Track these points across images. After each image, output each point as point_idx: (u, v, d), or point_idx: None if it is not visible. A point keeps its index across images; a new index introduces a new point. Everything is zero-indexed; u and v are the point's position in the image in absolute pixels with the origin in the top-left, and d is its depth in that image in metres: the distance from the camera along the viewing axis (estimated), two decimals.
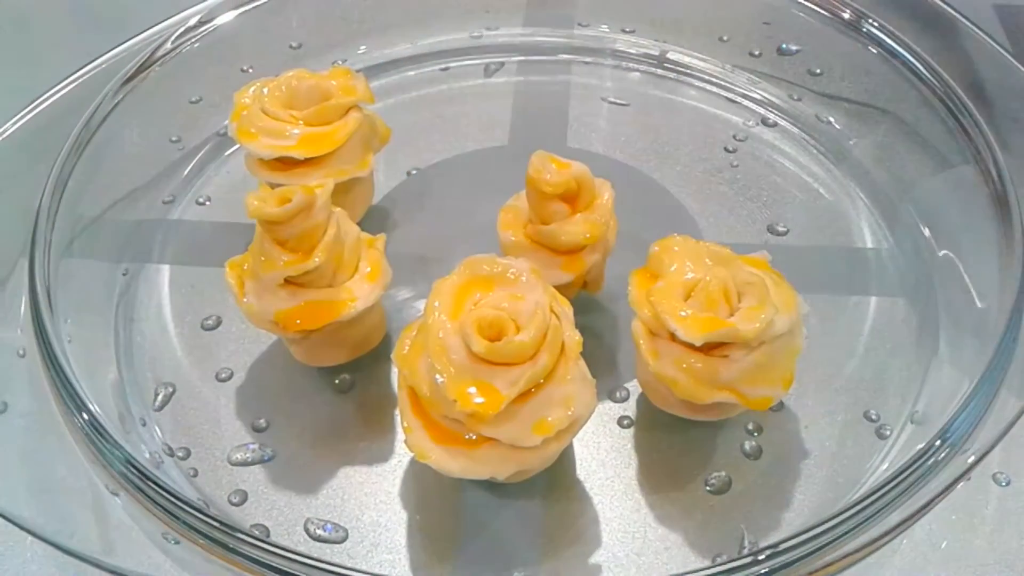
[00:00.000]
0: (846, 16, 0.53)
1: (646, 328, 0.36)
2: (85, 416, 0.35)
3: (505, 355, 0.32)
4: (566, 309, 0.35)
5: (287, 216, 0.36)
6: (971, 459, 0.33)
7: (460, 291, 0.35)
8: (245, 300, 0.38)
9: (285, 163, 0.44)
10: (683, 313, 0.34)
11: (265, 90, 0.45)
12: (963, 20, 0.51)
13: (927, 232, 0.46)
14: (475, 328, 0.33)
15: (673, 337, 0.34)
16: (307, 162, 0.44)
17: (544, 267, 0.39)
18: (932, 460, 0.33)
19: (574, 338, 0.34)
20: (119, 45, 0.54)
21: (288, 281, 0.38)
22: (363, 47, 0.60)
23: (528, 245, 0.40)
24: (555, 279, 0.39)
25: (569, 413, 0.33)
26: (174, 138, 0.54)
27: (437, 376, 0.32)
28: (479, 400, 0.32)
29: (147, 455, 0.38)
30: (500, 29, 0.60)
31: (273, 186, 0.44)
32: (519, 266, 0.35)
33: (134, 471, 0.33)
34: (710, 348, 0.34)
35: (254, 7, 0.58)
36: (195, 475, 0.38)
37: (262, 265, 0.37)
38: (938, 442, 0.33)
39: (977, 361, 0.37)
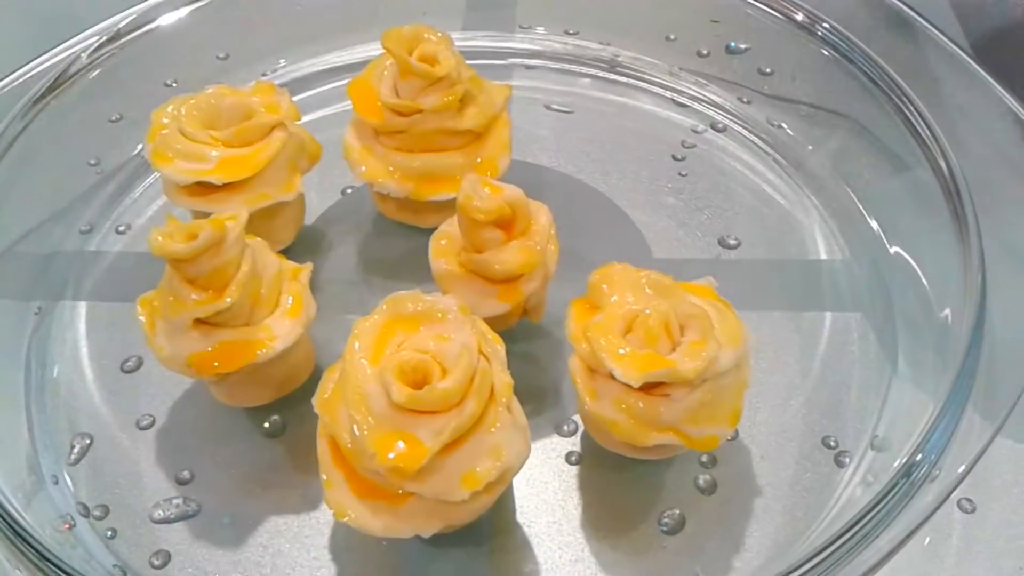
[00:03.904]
0: (799, 18, 0.50)
1: (584, 365, 0.34)
2: None
3: (428, 404, 0.30)
4: (497, 348, 0.33)
5: (194, 253, 0.33)
6: (940, 495, 0.31)
7: (382, 331, 0.32)
8: (156, 342, 0.36)
9: (205, 188, 0.41)
10: (621, 351, 0.32)
11: (183, 109, 0.42)
12: (917, 17, 0.49)
13: (884, 241, 0.44)
14: (396, 374, 0.30)
15: (613, 375, 0.32)
16: (227, 187, 0.41)
17: (480, 297, 0.37)
18: (895, 498, 0.31)
19: (504, 380, 0.32)
20: (30, 61, 0.51)
21: (200, 321, 0.35)
22: (294, 55, 0.57)
23: (462, 274, 0.38)
24: (491, 310, 0.37)
25: (499, 464, 0.31)
26: (92, 160, 0.50)
27: (355, 428, 0.30)
28: (400, 454, 0.29)
29: (58, 517, 0.35)
30: None
31: (197, 214, 0.42)
32: (445, 303, 0.32)
33: (28, 547, 0.30)
34: (651, 387, 0.32)
35: (177, 18, 0.55)
36: (113, 536, 0.36)
37: (170, 306, 0.35)
38: (902, 480, 0.31)
39: (939, 380, 0.36)
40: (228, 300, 0.34)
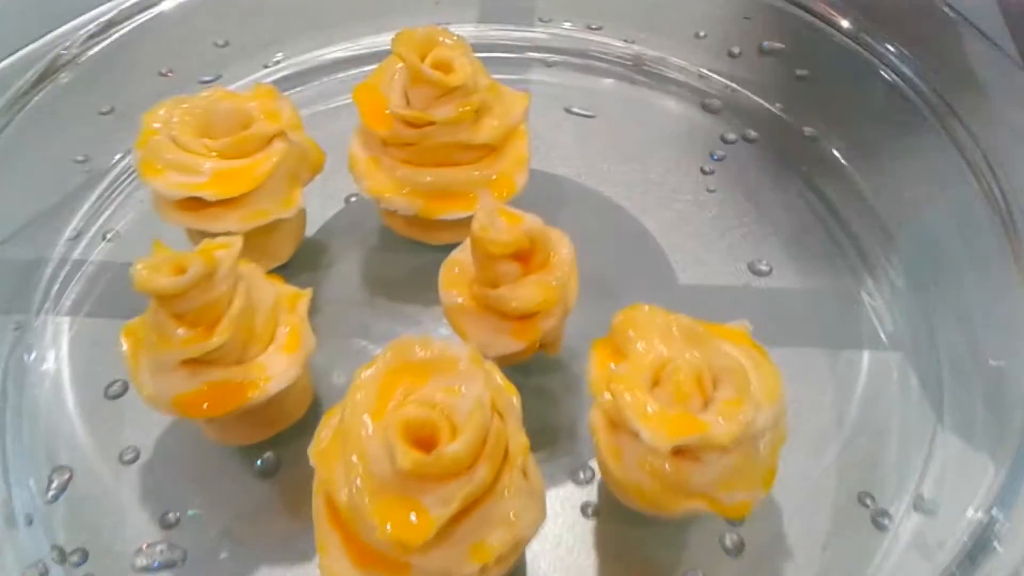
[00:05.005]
0: (839, 22, 0.47)
1: (606, 419, 0.31)
2: None
3: (436, 470, 0.27)
4: (513, 402, 0.30)
5: (181, 290, 0.30)
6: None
7: (385, 383, 0.29)
8: (139, 379, 0.33)
9: (197, 203, 0.38)
10: (649, 408, 0.29)
11: (175, 114, 0.39)
12: (963, 20, 0.45)
13: (929, 272, 0.41)
14: (400, 433, 0.27)
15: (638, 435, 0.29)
16: (222, 203, 0.38)
17: (493, 333, 0.34)
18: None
19: (520, 441, 0.29)
20: (17, 51, 0.47)
21: (188, 359, 0.32)
22: (297, 45, 0.53)
23: (474, 308, 0.34)
24: (505, 347, 0.34)
25: (512, 535, 0.28)
26: (79, 157, 0.47)
27: (354, 494, 0.27)
28: (403, 526, 0.27)
29: (30, 565, 0.33)
30: (451, 25, 0.53)
31: (197, 233, 0.39)
32: (456, 351, 0.29)
33: None
34: (680, 448, 0.29)
35: (176, 3, 0.51)
36: None
37: (154, 344, 0.32)
38: (964, 559, 0.29)
39: (993, 436, 0.33)
40: (215, 341, 0.31)
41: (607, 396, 0.30)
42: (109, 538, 0.34)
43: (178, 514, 0.35)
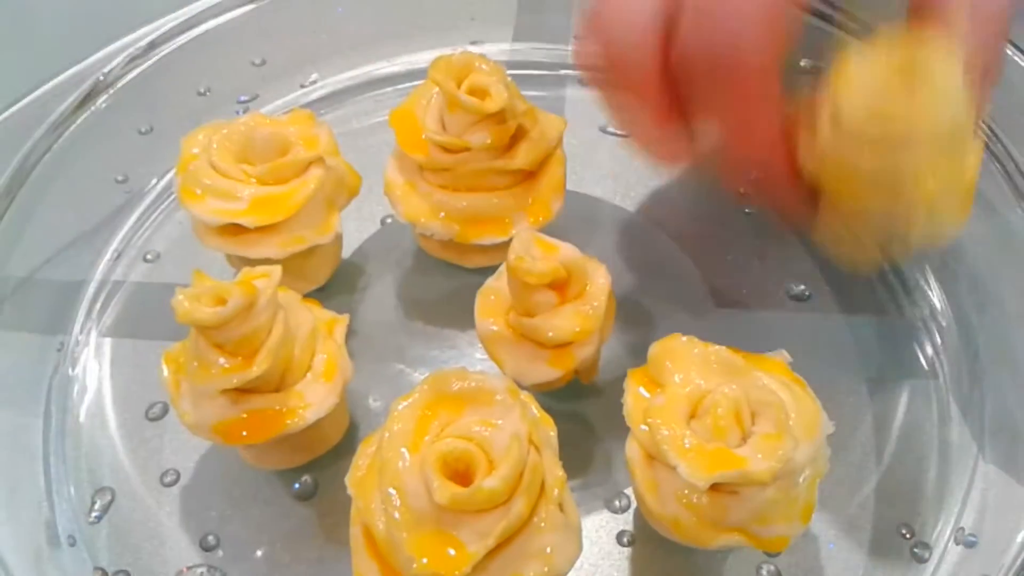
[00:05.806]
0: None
1: (643, 451, 0.31)
2: None
3: (473, 505, 0.27)
4: (550, 434, 0.30)
5: (222, 321, 0.31)
6: None
7: (423, 415, 0.29)
8: (181, 406, 0.33)
9: (236, 228, 0.38)
10: (687, 443, 0.29)
11: (215, 140, 0.39)
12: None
13: (971, 299, 0.40)
14: (438, 467, 0.27)
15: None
16: (260, 228, 0.38)
17: (529, 362, 0.34)
18: None
19: (556, 475, 0.29)
20: (60, 74, 0.48)
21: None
22: (334, 64, 0.54)
23: (510, 336, 0.35)
24: (541, 376, 0.34)
25: (547, 570, 0.28)
26: (119, 177, 0.48)
27: (391, 528, 0.27)
28: (441, 559, 0.27)
29: None
30: (486, 44, 0.53)
31: (236, 257, 0.39)
32: (493, 384, 0.29)
33: None
34: (718, 483, 0.29)
35: (214, 24, 0.52)
36: None
37: (195, 373, 0.32)
38: None
39: None
40: (255, 370, 0.31)
41: (644, 428, 0.30)
42: (149, 560, 0.35)
43: (217, 537, 0.35)
